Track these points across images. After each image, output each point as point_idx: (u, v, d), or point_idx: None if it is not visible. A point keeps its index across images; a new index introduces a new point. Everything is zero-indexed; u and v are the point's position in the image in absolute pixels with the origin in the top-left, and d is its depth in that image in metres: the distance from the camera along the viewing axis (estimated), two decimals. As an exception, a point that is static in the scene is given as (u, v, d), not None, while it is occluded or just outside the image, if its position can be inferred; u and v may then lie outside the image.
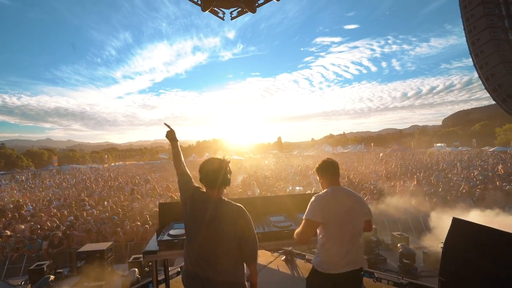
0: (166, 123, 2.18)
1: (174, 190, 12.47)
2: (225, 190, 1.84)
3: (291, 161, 32.36)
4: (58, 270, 4.84)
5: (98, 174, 29.39)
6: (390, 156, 34.93)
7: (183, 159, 2.08)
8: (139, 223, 7.57)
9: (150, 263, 4.15)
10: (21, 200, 12.94)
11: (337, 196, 1.95)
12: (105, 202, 11.12)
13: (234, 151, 44.66)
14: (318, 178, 2.17)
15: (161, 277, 3.12)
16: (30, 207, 11.40)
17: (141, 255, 2.37)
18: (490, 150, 34.91)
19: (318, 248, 1.97)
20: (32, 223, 8.03)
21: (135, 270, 4.19)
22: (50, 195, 15.21)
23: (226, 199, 1.80)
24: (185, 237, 1.80)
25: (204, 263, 1.66)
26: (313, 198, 1.97)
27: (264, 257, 4.52)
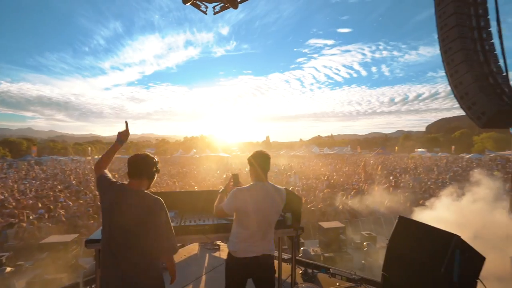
0: (127, 122, 2.11)
1: (155, 184, 12.30)
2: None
3: (277, 161, 32.55)
4: (19, 262, 4.69)
5: (79, 166, 28.58)
6: (373, 159, 35.75)
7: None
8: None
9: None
10: (-8, 190, 12.41)
11: (257, 191, 2.05)
12: (84, 194, 10.87)
13: (222, 148, 44.33)
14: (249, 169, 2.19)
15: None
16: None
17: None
18: (466, 156, 36.65)
19: (231, 233, 2.13)
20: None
21: (97, 263, 4.12)
22: (25, 185, 14.67)
23: (146, 191, 1.82)
24: None
25: (119, 253, 1.65)
26: (233, 190, 2.08)
27: (226, 250, 4.55)
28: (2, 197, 11.01)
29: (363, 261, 5.20)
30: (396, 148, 62.95)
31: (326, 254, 5.30)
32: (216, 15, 7.36)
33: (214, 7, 7.14)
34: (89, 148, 61.90)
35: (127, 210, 1.67)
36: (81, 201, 9.56)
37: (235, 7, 6.61)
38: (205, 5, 7.01)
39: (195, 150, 42.64)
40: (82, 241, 5.69)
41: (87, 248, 2.29)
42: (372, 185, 13.27)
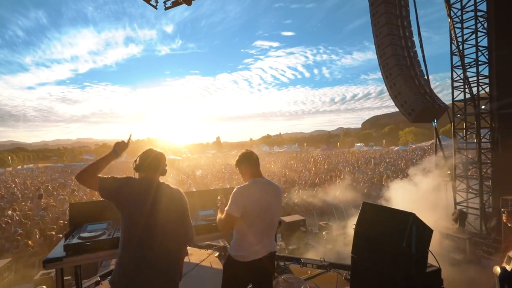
0: (131, 136, 1.92)
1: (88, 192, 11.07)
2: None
3: (230, 161, 32.52)
4: None
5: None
6: (319, 155, 38.52)
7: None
8: (53, 233, 6.52)
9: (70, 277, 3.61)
10: None
11: (259, 188, 1.97)
12: (9, 212, 9.16)
13: (171, 151, 42.23)
14: (239, 171, 2.13)
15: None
16: None
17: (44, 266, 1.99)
18: (395, 149, 42.37)
19: (234, 235, 2.00)
20: None
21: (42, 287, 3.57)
22: None
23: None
24: (120, 232, 1.64)
25: (151, 243, 1.60)
26: (235, 190, 1.94)
27: (196, 255, 4.42)
28: None
29: (323, 249, 5.60)
30: (338, 144, 69.05)
31: (290, 247, 5.56)
32: (159, 11, 7.03)
33: (165, 2, 6.75)
34: (10, 157, 52.50)
35: (168, 203, 1.70)
36: (8, 220, 8.10)
37: (189, 3, 6.36)
38: (155, -1, 6.59)
39: (142, 154, 39.66)
40: (18, 265, 4.92)
41: (46, 269, 1.96)
42: (322, 179, 14.31)
